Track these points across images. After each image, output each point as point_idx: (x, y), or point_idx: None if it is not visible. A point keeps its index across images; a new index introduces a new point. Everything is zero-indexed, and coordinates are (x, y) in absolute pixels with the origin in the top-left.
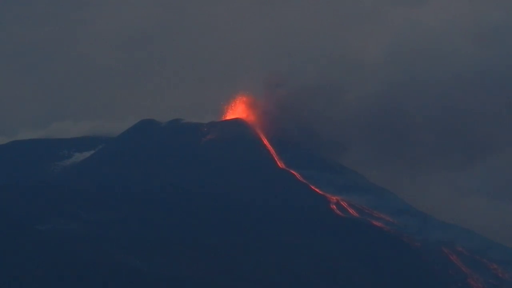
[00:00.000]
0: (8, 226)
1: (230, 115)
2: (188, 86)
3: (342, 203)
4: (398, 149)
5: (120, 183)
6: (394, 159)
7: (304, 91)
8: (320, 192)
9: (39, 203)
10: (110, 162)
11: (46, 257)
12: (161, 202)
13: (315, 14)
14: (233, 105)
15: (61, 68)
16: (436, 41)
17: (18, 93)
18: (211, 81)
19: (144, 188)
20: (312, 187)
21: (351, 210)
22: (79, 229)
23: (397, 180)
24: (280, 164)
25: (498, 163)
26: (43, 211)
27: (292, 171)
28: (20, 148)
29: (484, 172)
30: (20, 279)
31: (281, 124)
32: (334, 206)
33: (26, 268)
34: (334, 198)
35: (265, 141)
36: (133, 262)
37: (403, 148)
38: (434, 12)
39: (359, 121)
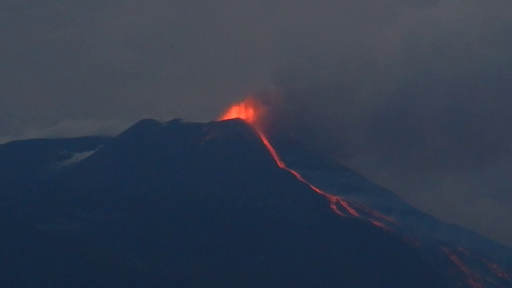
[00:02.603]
0: (8, 226)
1: (230, 115)
2: (188, 86)
3: (342, 203)
4: (406, 150)
5: (120, 183)
6: (402, 160)
7: (312, 91)
8: (320, 192)
9: (39, 203)
10: (110, 162)
11: (46, 257)
12: (161, 202)
13: (324, 14)
14: (234, 105)
15: (61, 68)
16: (448, 42)
17: (19, 93)
18: (211, 81)
19: (144, 188)
20: (312, 187)
21: (351, 210)
22: (79, 229)
23: (405, 182)
24: (280, 164)
25: (508, 165)
26: (43, 211)
27: (292, 171)
28: (20, 148)
29: (495, 174)
30: (20, 279)
31: (285, 125)
32: (334, 206)
33: (26, 268)
34: (334, 198)
35: (265, 141)
36: (133, 262)
37: (412, 150)
38: (447, 12)
39: (368, 122)
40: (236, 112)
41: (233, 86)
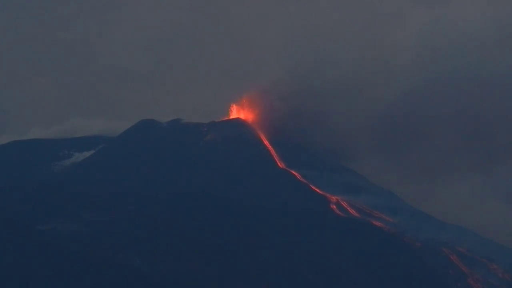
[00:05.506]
0: (8, 226)
1: (230, 115)
2: (188, 86)
3: (342, 203)
4: (416, 152)
5: (120, 183)
6: (411, 162)
7: (321, 91)
8: (320, 192)
9: (39, 203)
10: (110, 162)
11: (46, 257)
12: (161, 202)
13: (335, 14)
14: (235, 105)
15: (63, 69)
16: (460, 43)
17: (23, 93)
18: (211, 81)
19: (144, 188)
20: (312, 187)
21: (351, 210)
22: (79, 229)
23: (412, 183)
24: (280, 164)
25: None
26: (43, 211)
27: (292, 171)
28: (20, 147)
29: (504, 176)
30: (20, 279)
31: (288, 125)
32: (334, 206)
33: (26, 268)
34: (334, 198)
35: (265, 141)
36: (133, 262)
37: (421, 151)
38: (460, 12)
39: (378, 123)
40: (236, 112)
41: (234, 86)
